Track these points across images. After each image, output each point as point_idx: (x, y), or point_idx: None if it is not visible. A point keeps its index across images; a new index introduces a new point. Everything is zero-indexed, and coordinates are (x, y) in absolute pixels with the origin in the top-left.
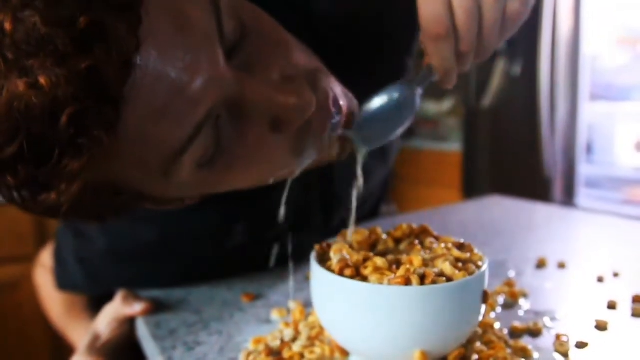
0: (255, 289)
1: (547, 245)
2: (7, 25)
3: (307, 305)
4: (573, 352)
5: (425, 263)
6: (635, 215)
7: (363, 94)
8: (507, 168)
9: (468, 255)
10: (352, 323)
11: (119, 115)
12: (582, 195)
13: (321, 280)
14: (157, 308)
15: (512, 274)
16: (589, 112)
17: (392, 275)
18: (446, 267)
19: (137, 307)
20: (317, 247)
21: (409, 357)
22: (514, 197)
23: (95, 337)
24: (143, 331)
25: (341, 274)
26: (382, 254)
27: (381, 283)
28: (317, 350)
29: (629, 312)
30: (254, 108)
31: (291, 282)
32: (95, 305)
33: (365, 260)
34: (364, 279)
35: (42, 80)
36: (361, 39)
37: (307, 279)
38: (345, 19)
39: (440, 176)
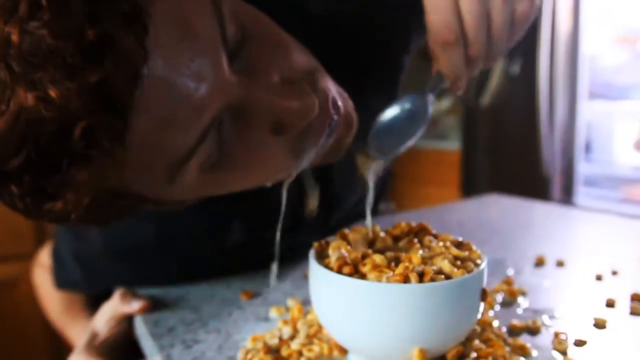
0: (254, 287)
1: (546, 244)
2: (14, 37)
3: (306, 303)
4: (571, 350)
5: (424, 261)
6: (633, 213)
7: (360, 93)
8: (506, 167)
9: (467, 253)
10: (351, 321)
11: (128, 125)
12: (581, 193)
13: (319, 278)
14: (155, 306)
15: (510, 272)
16: (588, 111)
17: (391, 273)
18: (445, 265)
19: (135, 305)
20: (315, 244)
21: (408, 354)
22: (513, 195)
23: (94, 335)
24: (141, 329)
25: (339, 271)
26: (381, 252)
27: (380, 281)
28: (316, 348)
29: (628, 310)
30: (257, 112)
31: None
32: (93, 304)
33: (364, 257)
34: (363, 276)
35: (52, 93)
36: (357, 37)
37: (305, 277)
38: (341, 17)
39: (439, 175)
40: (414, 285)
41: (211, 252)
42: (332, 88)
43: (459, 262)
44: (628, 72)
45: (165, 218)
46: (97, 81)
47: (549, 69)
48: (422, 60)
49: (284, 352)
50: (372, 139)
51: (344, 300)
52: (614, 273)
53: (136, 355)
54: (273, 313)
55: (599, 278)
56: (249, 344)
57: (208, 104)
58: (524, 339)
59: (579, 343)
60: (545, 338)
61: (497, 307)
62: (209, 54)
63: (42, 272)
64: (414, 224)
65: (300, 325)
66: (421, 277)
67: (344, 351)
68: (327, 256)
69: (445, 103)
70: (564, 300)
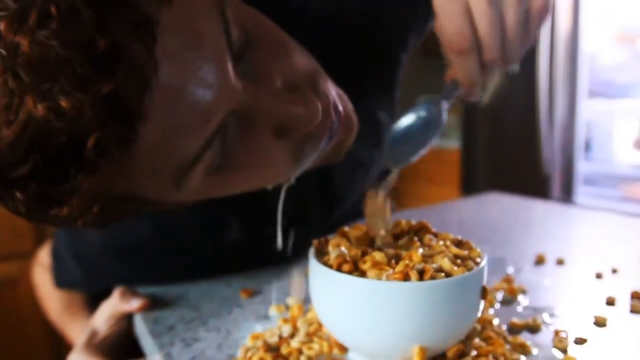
0: (254, 285)
1: (546, 242)
2: (24, 46)
3: (306, 301)
4: (572, 348)
5: (425, 259)
6: (633, 212)
7: (360, 93)
8: (505, 165)
9: (467, 252)
10: (351, 319)
11: (137, 134)
12: (581, 192)
13: (319, 276)
14: (155, 304)
15: (510, 270)
16: (588, 110)
17: (391, 271)
18: (445, 263)
19: (134, 303)
20: (314, 242)
21: (408, 352)
22: (513, 194)
23: (93, 334)
24: (141, 327)
25: (339, 269)
26: (381, 249)
27: (380, 278)
28: (316, 346)
29: (628, 309)
30: (262, 117)
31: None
32: (93, 302)
33: (364, 254)
34: (363, 273)
35: (63, 104)
36: (357, 37)
37: (305, 275)
38: (341, 17)
39: (439, 173)
40: (414, 283)
41: (210, 250)
42: (333, 91)
43: (459, 261)
44: (628, 70)
45: (163, 216)
46: (109, 92)
47: (549, 68)
48: (422, 60)
49: (284, 350)
50: (387, 149)
51: (344, 298)
52: (614, 271)
53: (136, 354)
54: (273, 311)
55: (599, 276)
56: (248, 342)
57: (215, 110)
58: (524, 337)
59: (579, 341)
60: (545, 336)
61: (497, 305)
62: (215, 61)
63: (41, 271)
64: (414, 222)
65: (300, 324)
66: (421, 275)
67: (344, 349)
68: (326, 253)
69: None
70: (564, 298)
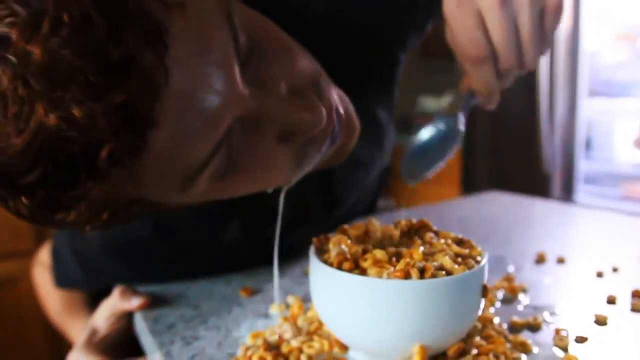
0: (254, 283)
1: (546, 241)
2: (35, 54)
3: (306, 300)
4: (572, 347)
5: (425, 257)
6: (633, 211)
7: (360, 94)
8: (506, 164)
9: (467, 250)
10: (351, 317)
11: (148, 142)
12: (581, 191)
13: (319, 274)
14: (155, 303)
15: (511, 269)
16: (588, 109)
17: (392, 269)
18: (446, 261)
19: (135, 302)
20: (314, 240)
21: (409, 351)
22: (513, 192)
23: (93, 332)
24: (141, 326)
25: (339, 267)
26: (382, 247)
27: (380, 277)
28: (316, 344)
29: (629, 307)
30: (267, 122)
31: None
32: (93, 302)
33: (365, 252)
34: (363, 271)
35: (76, 113)
36: (357, 37)
37: (305, 273)
38: (341, 17)
39: (439, 172)
40: (415, 282)
41: (210, 249)
42: (334, 94)
43: (460, 259)
44: (628, 69)
45: (163, 216)
46: (122, 102)
47: (549, 67)
48: (422, 60)
49: (284, 348)
50: (404, 164)
51: (344, 296)
52: (615, 270)
53: (136, 352)
54: (273, 310)
55: (599, 275)
56: (249, 341)
57: (223, 116)
58: (525, 336)
59: (580, 340)
60: (546, 335)
61: (498, 304)
62: (224, 67)
63: (41, 270)
64: (414, 220)
65: (300, 322)
66: (422, 273)
67: (344, 348)
68: (326, 251)
69: (446, 100)
70: (565, 297)
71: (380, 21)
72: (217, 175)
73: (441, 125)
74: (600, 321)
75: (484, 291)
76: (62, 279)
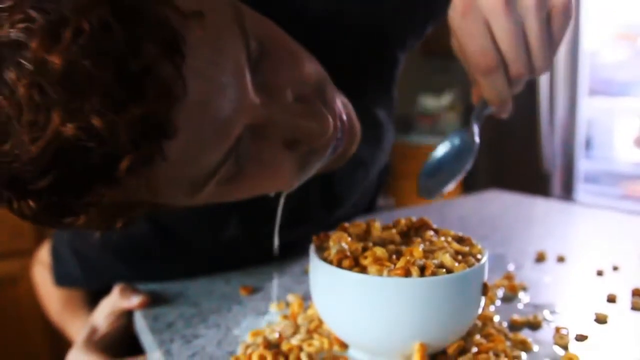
0: (254, 282)
1: (546, 239)
2: (54, 63)
3: (306, 298)
4: (573, 345)
5: (425, 255)
6: (633, 209)
7: (360, 95)
8: (506, 163)
9: (467, 248)
10: (351, 315)
11: (164, 152)
12: (581, 190)
13: (319, 272)
14: (154, 301)
15: (511, 267)
16: (588, 108)
17: (392, 266)
18: (446, 259)
19: (134, 300)
20: (315, 238)
21: (409, 349)
22: (513, 191)
23: (93, 330)
24: (141, 324)
25: (339, 265)
26: (382, 245)
27: (380, 274)
28: (316, 343)
29: (629, 305)
30: (275, 130)
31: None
32: (93, 300)
33: (365, 250)
34: (363, 269)
35: (96, 123)
36: (357, 37)
37: (305, 272)
38: (341, 17)
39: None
40: (415, 279)
41: (209, 247)
42: (339, 100)
43: (460, 257)
44: (628, 68)
45: (163, 214)
46: (142, 114)
47: None
48: (422, 60)
49: (284, 347)
50: (421, 180)
51: (344, 294)
52: (615, 268)
53: (135, 351)
54: (273, 308)
55: (599, 273)
56: (248, 339)
57: (235, 123)
58: (525, 334)
59: (580, 338)
60: (546, 333)
61: (498, 302)
62: (237, 76)
63: (41, 269)
64: (414, 219)
65: (300, 320)
66: (422, 271)
67: (344, 346)
68: (326, 248)
69: (446, 99)
70: (565, 295)
71: (379, 21)
72: (223, 181)
73: (456, 141)
74: (601, 319)
75: (484, 289)
76: (61, 278)
